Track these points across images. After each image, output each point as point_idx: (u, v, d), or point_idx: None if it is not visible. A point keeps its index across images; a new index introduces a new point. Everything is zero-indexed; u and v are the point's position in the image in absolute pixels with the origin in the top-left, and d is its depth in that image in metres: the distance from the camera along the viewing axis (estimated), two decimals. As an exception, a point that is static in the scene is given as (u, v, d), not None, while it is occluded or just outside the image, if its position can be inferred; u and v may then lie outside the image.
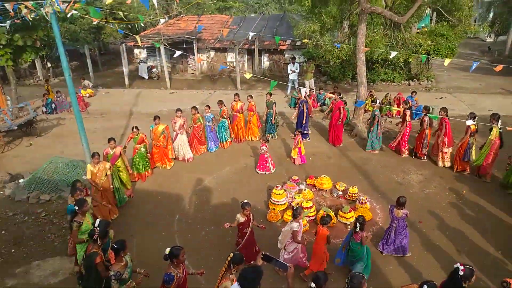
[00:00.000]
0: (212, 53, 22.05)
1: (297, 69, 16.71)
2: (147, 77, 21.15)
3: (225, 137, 11.77)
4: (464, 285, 4.38)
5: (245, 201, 6.44)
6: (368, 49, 12.59)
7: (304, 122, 11.91)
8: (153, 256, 6.70)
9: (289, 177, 9.51)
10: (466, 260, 6.70)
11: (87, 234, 5.31)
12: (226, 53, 21.86)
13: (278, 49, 20.38)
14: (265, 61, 21.54)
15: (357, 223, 6.14)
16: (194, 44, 20.94)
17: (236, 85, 19.13)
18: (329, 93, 11.95)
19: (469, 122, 8.89)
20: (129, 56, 22.25)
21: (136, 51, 22.93)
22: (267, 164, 10.00)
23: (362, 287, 4.12)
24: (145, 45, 20.82)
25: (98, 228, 5.11)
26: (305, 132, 12.02)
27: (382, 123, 11.51)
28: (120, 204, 8.55)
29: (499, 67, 8.65)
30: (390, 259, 6.90)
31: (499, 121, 9.11)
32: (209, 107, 11.39)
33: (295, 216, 6.15)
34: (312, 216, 8.00)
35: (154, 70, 21.39)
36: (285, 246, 6.32)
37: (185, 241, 7.46)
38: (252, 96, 12.13)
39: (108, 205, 7.72)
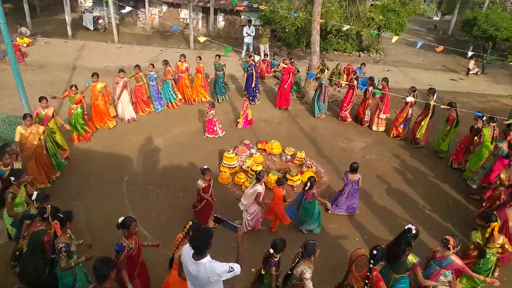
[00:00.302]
0: (164, 7, 20.88)
1: (252, 32, 16.47)
2: (92, 28, 19.63)
3: (172, 98, 11.53)
4: (412, 244, 4.82)
5: (205, 166, 6.49)
6: (323, 21, 12.72)
7: (253, 85, 11.99)
8: (102, 219, 6.66)
9: (240, 141, 9.67)
10: (409, 220, 7.43)
11: (37, 212, 4.92)
12: (179, 9, 20.82)
13: (235, 10, 19.81)
14: (220, 21, 20.89)
15: (308, 182, 6.55)
16: (145, -4, 19.68)
17: (189, 44, 18.49)
18: (283, 63, 12.04)
19: (409, 99, 9.60)
20: (72, 3, 20.39)
21: (80, -2, 21.07)
22: (215, 128, 10.03)
23: (315, 253, 4.46)
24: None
25: (48, 206, 4.80)
26: (254, 95, 12.18)
27: (328, 91, 11.98)
28: (59, 169, 8.08)
29: (440, 47, 9.42)
30: (334, 217, 7.49)
31: (435, 95, 9.88)
32: (153, 66, 10.93)
33: (258, 179, 6.40)
34: (261, 179, 8.30)
35: (100, 21, 19.88)
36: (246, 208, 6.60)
37: (135, 203, 7.46)
38: (201, 58, 11.81)
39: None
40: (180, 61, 11.58)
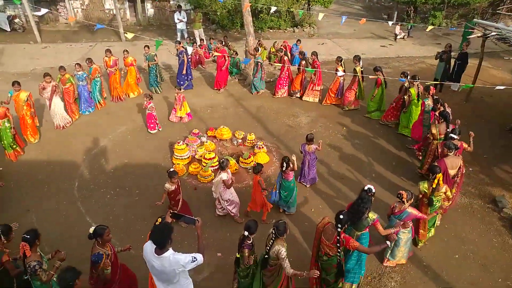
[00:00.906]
0: (86, -1, 19.67)
1: (184, 18, 16.12)
2: (9, 29, 18.02)
3: (98, 98, 10.94)
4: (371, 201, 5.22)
5: (171, 169, 6.46)
6: (250, 4, 12.77)
7: (184, 72, 11.95)
8: (58, 229, 6.43)
9: (189, 131, 9.64)
10: (362, 181, 7.98)
11: None
12: (103, 0, 19.73)
13: (163, -5, 19.19)
14: (149, 9, 20.14)
15: (284, 163, 6.72)
16: (63, -11, 18.37)
17: (119, 36, 17.67)
18: (215, 50, 12.11)
19: (340, 73, 10.44)
20: (-21, 3, 18.48)
21: (-12, -3, 19.14)
22: (157, 121, 9.83)
23: (287, 231, 4.67)
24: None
25: None
26: (186, 81, 12.19)
27: (265, 68, 12.31)
28: None
29: (363, 20, 10.17)
30: (303, 189, 7.90)
31: (360, 61, 10.66)
32: (80, 65, 10.30)
33: (222, 168, 6.51)
34: (215, 165, 8.39)
35: (17, 20, 18.27)
36: (220, 195, 6.73)
37: (90, 207, 7.26)
38: (128, 51, 11.32)
39: None
40: (106, 56, 11.09)
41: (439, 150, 7.44)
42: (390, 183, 8.13)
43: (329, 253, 4.87)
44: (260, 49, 12.56)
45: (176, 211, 6.17)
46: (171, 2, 19.52)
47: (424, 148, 8.39)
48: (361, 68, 10.66)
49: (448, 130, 7.42)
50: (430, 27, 10.56)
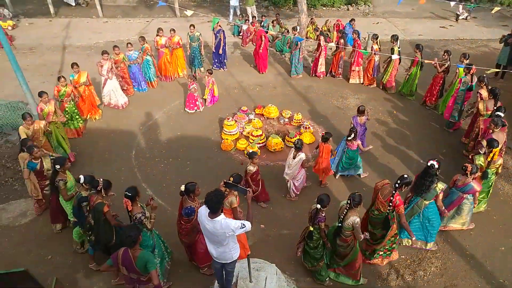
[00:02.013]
0: (145, -25, 20.29)
1: (238, -6, 16.22)
2: (74, 4, 19.17)
3: (152, 76, 11.16)
4: (436, 176, 5.56)
5: (251, 151, 6.81)
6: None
7: (221, 51, 11.96)
8: (117, 190, 7.03)
9: (238, 108, 9.95)
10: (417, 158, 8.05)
11: (91, 185, 5.31)
12: (161, -25, 20.25)
13: (217, -28, 19.32)
14: (204, -15, 20.41)
15: (352, 133, 7.16)
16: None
17: (175, 11, 18.19)
18: (251, 25, 11.82)
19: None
20: (49, -22, 19.72)
21: (56, -28, 20.36)
22: (197, 102, 9.97)
23: (361, 203, 5.02)
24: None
25: (100, 180, 5.17)
26: (222, 62, 12.31)
27: (304, 49, 12.11)
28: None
29: (422, 0, 9.65)
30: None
31: (398, 41, 10.52)
32: (131, 45, 10.45)
33: (299, 148, 6.76)
34: (262, 143, 8.68)
35: (81, -5, 19.40)
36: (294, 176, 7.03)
37: (146, 174, 7.87)
38: (175, 30, 11.26)
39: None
40: (158, 35, 11.07)
41: (481, 127, 7.52)
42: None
43: (380, 209, 5.38)
44: (299, 28, 12.36)
45: (258, 191, 6.83)
46: (225, -21, 19.60)
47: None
48: (399, 48, 10.51)
49: (495, 107, 7.55)
50: (495, 9, 9.83)
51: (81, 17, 17.78)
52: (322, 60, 11.75)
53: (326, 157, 7.20)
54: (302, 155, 6.78)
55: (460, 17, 17.39)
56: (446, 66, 9.44)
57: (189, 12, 9.50)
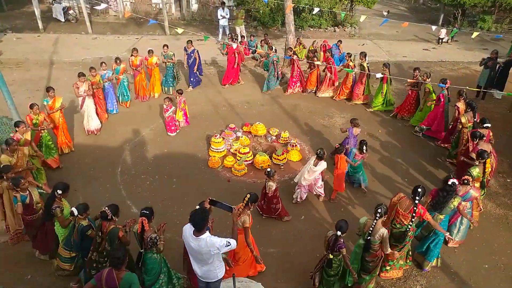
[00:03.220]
0: (135, -7, 20.56)
1: (227, 14, 16.49)
2: (63, 20, 19.23)
3: (127, 97, 11.04)
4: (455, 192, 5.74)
5: (269, 169, 6.82)
6: (294, 5, 12.96)
7: (195, 70, 12.12)
8: (101, 209, 6.94)
9: (226, 125, 10.00)
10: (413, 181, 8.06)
11: (101, 217, 5.08)
12: (151, -6, 20.56)
13: (207, -8, 19.69)
14: (194, 4, 20.75)
15: (364, 146, 7.60)
16: (114, -16, 19.31)
17: (164, 30, 18.38)
18: (229, 41, 12.26)
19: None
20: (38, -6, 19.77)
21: (46, -11, 20.50)
22: (176, 123, 9.85)
23: (387, 213, 5.24)
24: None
25: (107, 209, 4.99)
26: (196, 80, 12.45)
27: (279, 67, 12.50)
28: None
29: (405, 24, 10.22)
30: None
31: (366, 57, 11.25)
32: (105, 64, 10.25)
33: (321, 157, 7.02)
34: (249, 160, 8.71)
35: (71, 12, 19.44)
36: (313, 182, 7.34)
37: (131, 192, 7.78)
38: (153, 51, 11.30)
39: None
40: (132, 55, 10.92)
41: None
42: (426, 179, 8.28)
43: (403, 222, 5.52)
44: (274, 47, 12.75)
45: (280, 208, 6.92)
46: (215, -1, 19.98)
47: (453, 138, 8.84)
48: (367, 64, 11.19)
49: (475, 119, 8.17)
50: (475, 34, 10.24)
51: (70, 33, 17.82)
52: (296, 79, 12.23)
53: (342, 169, 7.42)
54: (324, 164, 7.07)
55: (443, 40, 17.99)
56: (415, 82, 10.13)
57: (180, 30, 9.61)
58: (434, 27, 12.60)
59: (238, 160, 8.60)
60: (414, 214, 5.34)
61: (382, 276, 5.96)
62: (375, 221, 5.09)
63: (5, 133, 8.71)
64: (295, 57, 12.03)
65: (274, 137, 9.65)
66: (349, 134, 8.39)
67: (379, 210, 5.08)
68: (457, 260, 6.40)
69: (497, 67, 11.61)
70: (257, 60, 14.93)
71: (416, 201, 5.31)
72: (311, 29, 19.56)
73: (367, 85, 11.45)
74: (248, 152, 8.78)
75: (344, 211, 7.51)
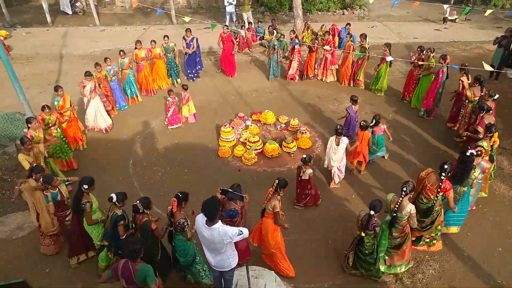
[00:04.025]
0: (141, -17, 20.42)
1: (233, 0, 16.29)
2: (71, 13, 19.27)
3: (134, 92, 10.79)
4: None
5: (305, 156, 6.78)
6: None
7: (198, 59, 12.04)
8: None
9: (235, 114, 9.99)
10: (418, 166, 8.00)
11: (133, 208, 5.13)
12: (157, -17, 20.41)
13: (213, -22, 19.44)
14: (200, -9, 20.55)
15: (374, 120, 7.74)
16: (120, -26, 19.20)
17: (171, 19, 18.29)
18: (224, 30, 11.96)
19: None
20: (45, -13, 19.80)
21: (53, -18, 20.51)
22: (178, 115, 9.65)
23: (414, 189, 5.38)
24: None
25: (138, 203, 5.04)
26: (196, 72, 12.22)
27: (281, 52, 12.22)
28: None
29: (416, 3, 9.92)
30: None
31: (367, 39, 11.13)
32: (109, 60, 9.90)
33: (341, 133, 7.20)
34: (259, 149, 8.72)
35: (78, 4, 19.44)
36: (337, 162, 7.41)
37: (143, 183, 7.89)
38: (155, 41, 10.97)
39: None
40: (136, 48, 10.63)
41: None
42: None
43: (430, 197, 5.67)
44: (275, 32, 12.60)
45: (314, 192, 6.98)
46: (221, -15, 19.74)
47: (456, 109, 9.10)
48: (368, 45, 11.17)
49: (482, 93, 8.19)
50: (488, 11, 9.92)
51: (78, 25, 17.87)
52: (294, 64, 12.01)
53: (365, 144, 7.60)
54: (346, 139, 7.20)
55: (450, 18, 17.48)
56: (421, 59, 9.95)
57: (187, 19, 9.55)
58: (446, 6, 12.26)
59: (248, 149, 8.62)
60: (439, 189, 5.48)
61: (420, 249, 6.18)
62: (401, 198, 5.19)
63: (18, 128, 8.93)
64: (297, 41, 11.77)
65: (283, 125, 9.62)
66: (349, 112, 8.55)
67: (405, 189, 5.17)
68: (470, 243, 6.38)
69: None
70: (265, 46, 14.78)
71: (442, 177, 5.42)
72: (319, 12, 19.22)
73: (361, 69, 11.30)
74: (258, 141, 8.79)
75: (355, 197, 7.51)
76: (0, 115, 9.23)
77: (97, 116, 9.35)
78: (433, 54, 9.82)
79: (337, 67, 11.98)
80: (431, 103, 9.71)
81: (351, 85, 11.74)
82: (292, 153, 8.68)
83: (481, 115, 7.35)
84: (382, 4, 20.06)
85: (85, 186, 5.36)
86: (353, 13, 19.34)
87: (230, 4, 16.24)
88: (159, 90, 11.52)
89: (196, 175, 8.10)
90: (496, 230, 6.62)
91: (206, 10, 20.12)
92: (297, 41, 11.73)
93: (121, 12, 20.01)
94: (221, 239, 4.23)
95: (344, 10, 19.46)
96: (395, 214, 5.26)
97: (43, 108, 7.60)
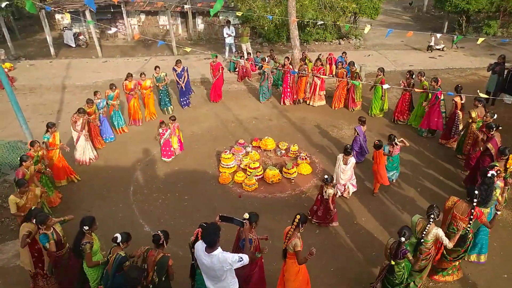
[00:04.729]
0: (142, 16, 21.10)
1: (232, 32, 16.77)
2: (74, 45, 19.81)
3: (122, 123, 10.88)
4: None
5: (326, 176, 6.97)
6: (298, 19, 13.18)
7: (188, 87, 12.31)
8: (114, 228, 7.00)
9: (235, 141, 10.07)
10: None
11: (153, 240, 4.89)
12: (158, 16, 21.07)
13: (212, 11, 20.08)
14: (200, 24, 21.17)
15: (390, 137, 8.00)
16: (122, 8, 19.84)
17: (172, 50, 18.76)
18: (214, 60, 12.56)
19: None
20: (49, 21, 20.43)
21: (57, 16, 21.20)
22: (172, 148, 9.52)
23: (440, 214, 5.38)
24: (68, 10, 19.30)
25: (160, 233, 4.84)
26: (187, 100, 12.53)
27: (272, 78, 12.83)
28: None
29: (410, 33, 10.26)
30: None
31: (355, 65, 11.84)
32: (99, 93, 10.08)
33: (349, 153, 7.51)
34: (260, 175, 8.73)
35: (81, 37, 20.04)
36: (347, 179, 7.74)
37: (144, 211, 7.84)
38: (145, 74, 11.33)
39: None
40: (127, 79, 10.91)
41: (483, 131, 8.05)
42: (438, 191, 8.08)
43: (461, 226, 5.50)
44: (267, 59, 13.15)
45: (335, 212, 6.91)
46: (220, 18, 20.38)
47: (458, 133, 9.47)
48: (359, 71, 11.88)
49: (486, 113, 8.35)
50: (481, 39, 10.22)
51: (81, 57, 18.30)
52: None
53: (382, 163, 7.73)
54: (353, 159, 7.53)
55: (436, 47, 17.96)
56: (411, 84, 10.55)
57: (188, 49, 9.89)
58: (439, 35, 12.67)
59: (249, 175, 8.62)
60: (472, 217, 5.37)
61: (439, 280, 6.08)
62: (429, 225, 5.14)
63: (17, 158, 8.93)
64: (291, 68, 12.21)
65: (283, 151, 9.68)
66: (358, 132, 8.90)
67: (432, 216, 5.15)
68: (475, 270, 6.27)
69: (506, 71, 11.53)
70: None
71: (474, 204, 5.30)
72: (316, 42, 19.74)
73: (358, 91, 11.82)
74: (258, 167, 8.81)
75: (357, 223, 7.44)
76: (3, 144, 9.30)
77: (86, 149, 9.32)
78: (424, 78, 10.35)
79: (324, 93, 12.47)
80: (440, 124, 9.99)
81: (349, 109, 12.07)
82: (293, 179, 8.68)
83: (491, 133, 7.60)
84: (377, 33, 20.63)
85: (86, 228, 5.05)
86: (349, 42, 19.86)
87: (229, 36, 16.71)
88: (150, 122, 11.51)
89: (197, 201, 8.07)
90: (500, 256, 6.53)
91: (206, 42, 20.66)
92: (291, 68, 12.06)
93: (123, 44, 20.54)
94: (221, 266, 4.17)
95: (340, 40, 20.00)
96: (421, 239, 5.22)
97: (32, 144, 7.43)
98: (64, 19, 20.95)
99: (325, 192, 6.93)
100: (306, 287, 5.35)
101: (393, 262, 5.02)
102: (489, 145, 7.44)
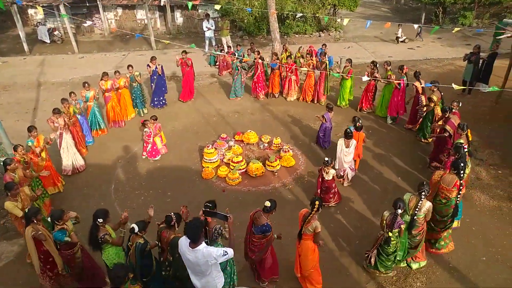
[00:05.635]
0: (119, 10, 20.66)
1: (212, 26, 16.60)
2: (49, 41, 19.23)
3: (101, 124, 10.36)
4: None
5: (326, 158, 7.21)
6: (277, 12, 13.11)
7: (163, 88, 11.82)
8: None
9: (217, 135, 10.00)
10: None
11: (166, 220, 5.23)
12: (135, 10, 20.67)
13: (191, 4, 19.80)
14: (179, 17, 20.88)
15: (355, 122, 8.15)
16: (98, 2, 19.37)
17: (150, 44, 18.44)
18: (181, 55, 12.12)
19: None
20: (22, 16, 19.74)
21: (30, 11, 20.54)
22: (154, 147, 9.32)
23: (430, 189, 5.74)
24: (41, 5, 18.68)
25: (172, 214, 5.16)
26: (164, 96, 11.99)
27: (245, 74, 12.72)
28: None
29: (388, 24, 10.42)
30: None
31: (326, 56, 11.76)
32: (74, 94, 9.32)
33: (351, 136, 7.68)
34: (243, 169, 8.71)
35: (56, 33, 19.45)
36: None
37: (126, 208, 7.65)
38: (119, 72, 10.80)
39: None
40: (102, 79, 10.24)
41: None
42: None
43: (449, 196, 5.91)
44: (252, 54, 12.96)
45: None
46: (199, 11, 20.14)
47: (420, 116, 9.87)
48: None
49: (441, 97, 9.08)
50: (456, 29, 10.42)
51: (56, 53, 17.79)
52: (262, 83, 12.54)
53: (361, 144, 8.12)
54: (354, 141, 7.73)
55: (400, 40, 18.36)
56: (374, 74, 10.71)
57: (166, 42, 9.67)
58: (416, 26, 12.87)
59: (232, 170, 8.59)
60: (461, 188, 5.79)
61: (437, 253, 6.39)
62: (421, 201, 5.48)
63: (-5, 158, 8.61)
64: (277, 62, 12.11)
65: (266, 144, 9.67)
66: (326, 118, 9.24)
67: (423, 192, 5.46)
68: (455, 254, 6.43)
69: (481, 61, 11.80)
70: (245, 69, 14.99)
71: (462, 175, 5.76)
72: (297, 35, 19.76)
73: (326, 84, 11.83)
74: (242, 161, 8.79)
75: (349, 209, 7.53)
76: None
77: (70, 154, 8.74)
78: (389, 67, 10.59)
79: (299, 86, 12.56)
80: (402, 110, 10.54)
81: (315, 102, 12.15)
82: (276, 172, 8.69)
83: (447, 115, 8.08)
84: (357, 25, 20.80)
85: (100, 220, 5.07)
86: (329, 35, 19.96)
87: (209, 29, 16.54)
88: (127, 122, 11.13)
89: (180, 197, 7.98)
90: (479, 240, 6.71)
91: (185, 36, 20.40)
92: (277, 62, 11.99)
93: (100, 39, 20.08)
94: (205, 261, 4.15)
95: (320, 32, 20.07)
96: (414, 215, 5.54)
97: (15, 148, 7.16)
98: (37, 14, 20.32)
99: (327, 173, 7.20)
100: (316, 264, 5.66)
101: (390, 234, 5.45)
102: (447, 127, 7.87)
